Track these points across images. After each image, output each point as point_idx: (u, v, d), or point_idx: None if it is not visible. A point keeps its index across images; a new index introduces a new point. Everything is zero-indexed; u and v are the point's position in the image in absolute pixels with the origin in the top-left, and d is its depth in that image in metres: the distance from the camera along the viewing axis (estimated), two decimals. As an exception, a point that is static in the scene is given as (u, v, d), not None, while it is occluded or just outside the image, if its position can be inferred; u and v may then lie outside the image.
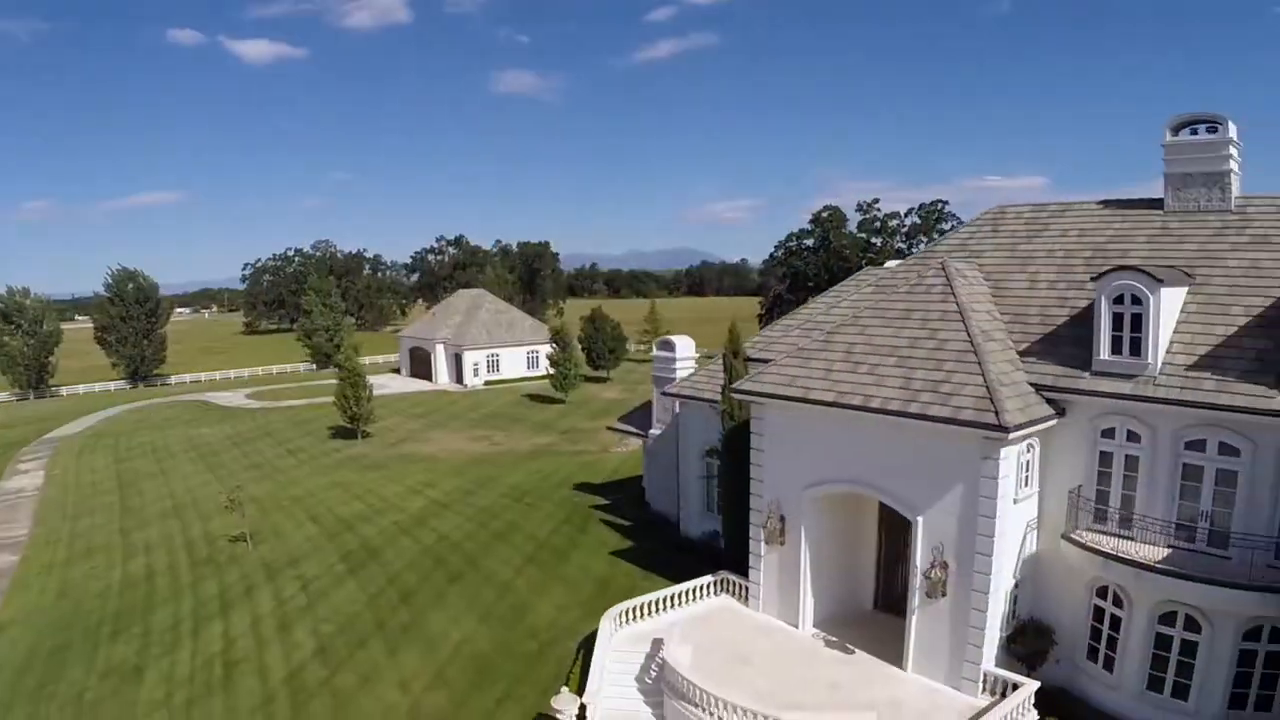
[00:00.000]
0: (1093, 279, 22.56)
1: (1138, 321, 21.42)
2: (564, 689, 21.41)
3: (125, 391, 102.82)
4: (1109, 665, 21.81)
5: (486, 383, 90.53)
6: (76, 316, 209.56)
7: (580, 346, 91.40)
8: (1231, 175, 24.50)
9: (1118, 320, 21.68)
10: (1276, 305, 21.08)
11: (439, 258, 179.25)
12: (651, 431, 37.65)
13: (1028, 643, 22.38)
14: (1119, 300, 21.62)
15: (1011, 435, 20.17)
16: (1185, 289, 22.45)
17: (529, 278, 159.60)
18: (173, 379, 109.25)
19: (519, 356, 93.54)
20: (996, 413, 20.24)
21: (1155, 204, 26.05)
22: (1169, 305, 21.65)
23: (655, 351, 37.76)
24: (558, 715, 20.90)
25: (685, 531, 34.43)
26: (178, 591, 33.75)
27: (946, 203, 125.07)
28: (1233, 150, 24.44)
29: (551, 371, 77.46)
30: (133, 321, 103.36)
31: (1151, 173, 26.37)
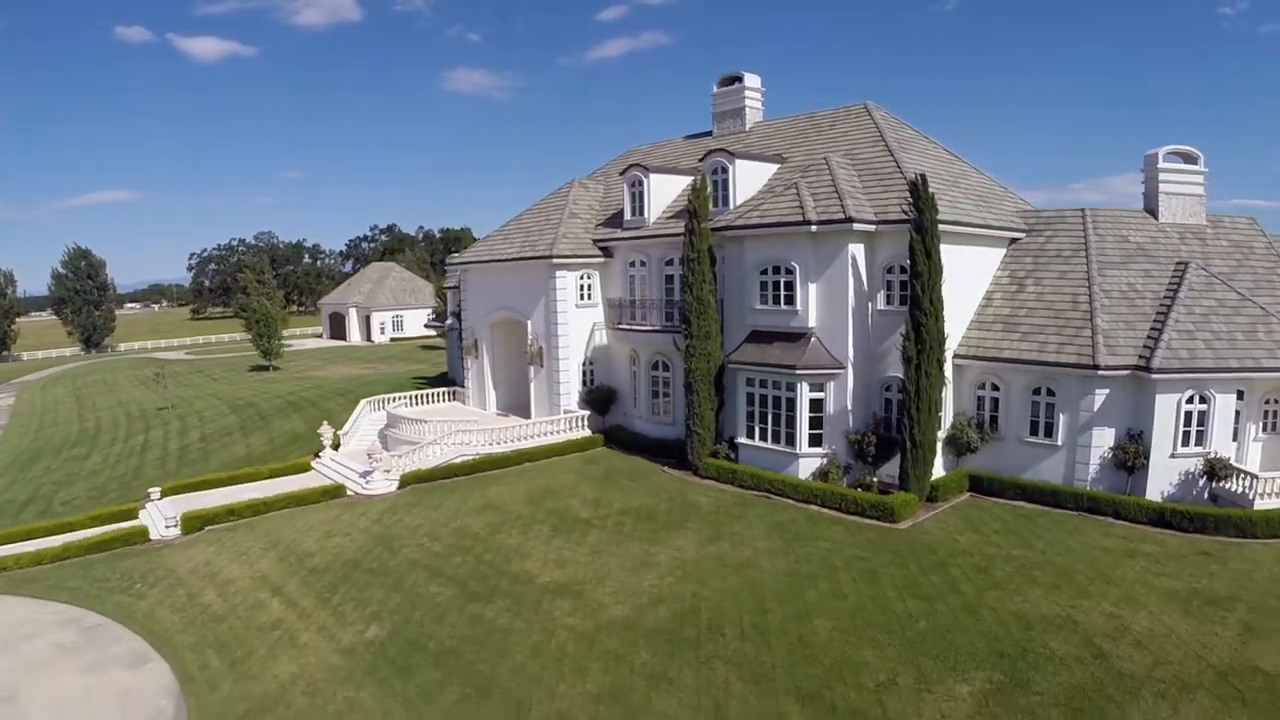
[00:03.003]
0: (620, 174, 38.63)
1: (643, 196, 36.57)
2: (325, 423, 37.82)
3: (80, 356, 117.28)
4: (637, 405, 37.07)
5: (392, 339, 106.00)
6: (32, 313, 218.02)
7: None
8: (747, 110, 39.96)
9: (633, 196, 36.98)
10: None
11: (372, 245, 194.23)
12: (449, 322, 54.11)
13: (596, 396, 37.63)
14: (632, 185, 37.02)
15: (557, 262, 36.23)
16: (689, 179, 36.36)
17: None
18: (122, 346, 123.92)
19: (420, 317, 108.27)
20: (551, 251, 36.54)
21: (709, 134, 41.93)
22: (660, 186, 36.36)
23: (449, 261, 54.13)
24: (320, 436, 37.29)
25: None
26: (116, 429, 49.63)
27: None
28: (749, 94, 39.90)
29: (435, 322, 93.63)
30: (85, 294, 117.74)
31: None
